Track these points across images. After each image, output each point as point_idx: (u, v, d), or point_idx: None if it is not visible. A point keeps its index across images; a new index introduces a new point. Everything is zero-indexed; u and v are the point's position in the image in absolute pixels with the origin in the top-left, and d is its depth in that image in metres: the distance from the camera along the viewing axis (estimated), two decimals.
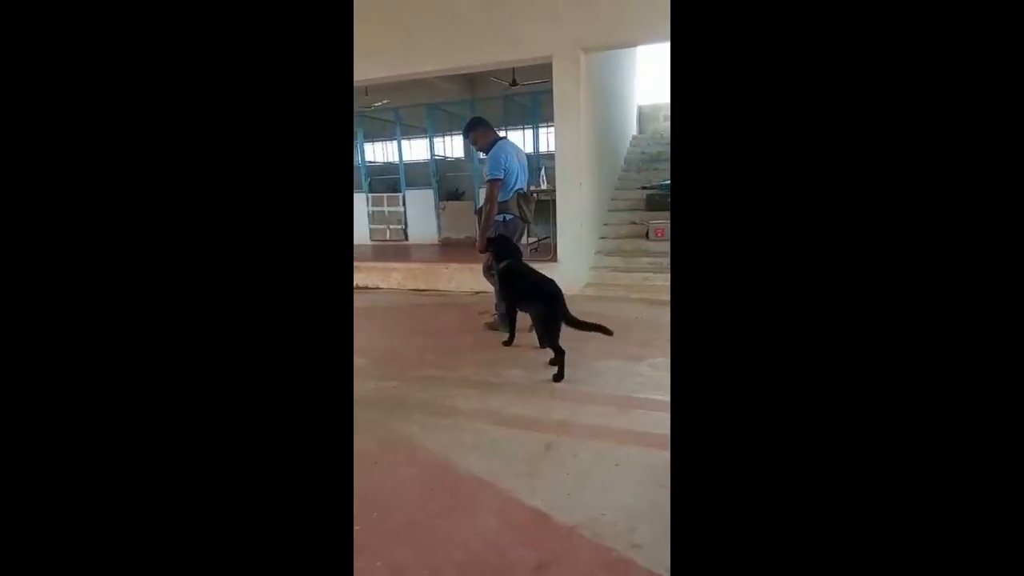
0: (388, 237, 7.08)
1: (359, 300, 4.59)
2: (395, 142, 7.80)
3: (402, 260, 5.28)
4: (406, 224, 7.02)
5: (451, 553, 1.29)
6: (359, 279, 5.14)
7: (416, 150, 8.70)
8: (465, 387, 2.37)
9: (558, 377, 2.37)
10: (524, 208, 3.05)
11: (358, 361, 2.80)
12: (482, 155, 3.18)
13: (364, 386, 2.45)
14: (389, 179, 7.50)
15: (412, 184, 7.06)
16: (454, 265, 4.81)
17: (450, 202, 6.88)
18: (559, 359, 2.41)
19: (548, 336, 2.43)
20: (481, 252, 3.03)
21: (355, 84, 5.32)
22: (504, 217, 3.00)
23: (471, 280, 4.68)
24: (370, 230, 7.20)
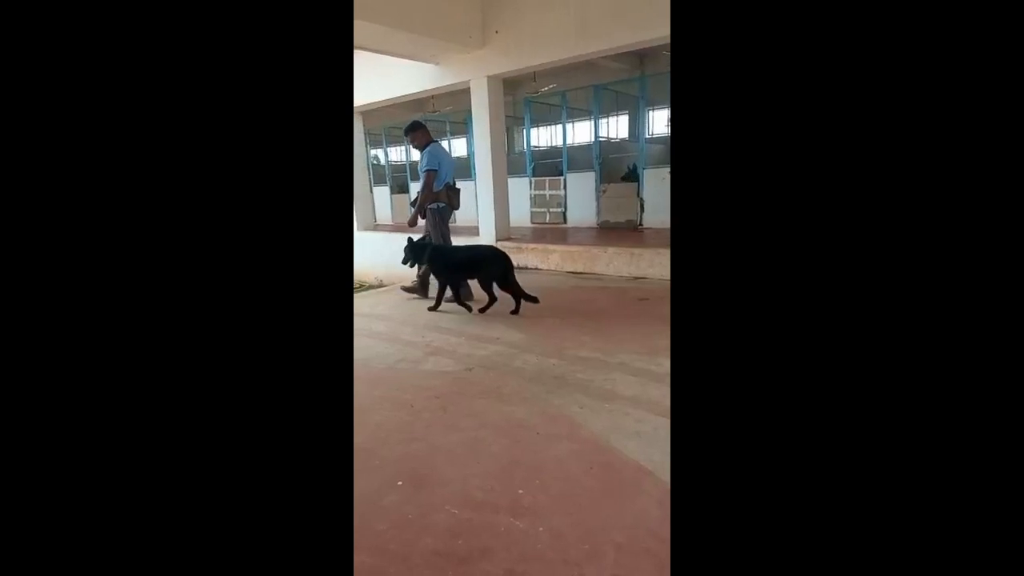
0: (548, 220, 7.25)
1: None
2: (559, 126, 7.89)
3: (560, 243, 5.37)
4: (566, 207, 7.10)
5: (611, 533, 1.29)
6: (520, 259, 5.38)
7: (579, 133, 8.70)
8: (625, 373, 2.33)
9: (483, 309, 3.46)
10: (452, 197, 3.86)
11: (524, 337, 2.95)
12: (416, 152, 3.96)
13: (526, 360, 2.57)
14: (552, 163, 7.64)
15: (574, 167, 7.10)
16: (612, 249, 4.73)
17: (611, 184, 6.74)
18: (491, 304, 3.46)
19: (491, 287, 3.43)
20: (411, 225, 3.97)
21: (528, 70, 5.50)
22: (437, 205, 3.79)
23: (629, 265, 4.56)
24: (531, 213, 7.46)
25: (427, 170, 3.70)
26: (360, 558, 1.24)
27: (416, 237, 3.68)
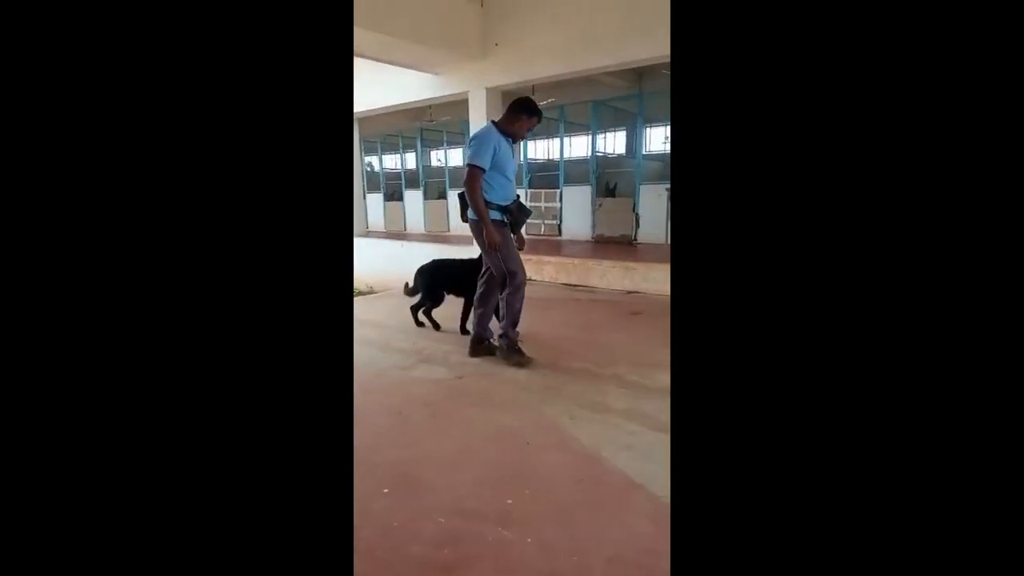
0: (542, 232, 7.27)
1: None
2: (557, 139, 7.96)
3: (555, 254, 5.37)
4: (561, 220, 7.12)
5: (601, 546, 1.27)
6: None
7: (577, 147, 8.77)
8: (618, 386, 2.32)
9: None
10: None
11: None
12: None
13: (521, 369, 2.55)
14: (548, 176, 7.68)
15: (570, 181, 7.14)
16: (607, 262, 4.74)
17: (607, 199, 6.79)
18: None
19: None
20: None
21: (527, 83, 5.55)
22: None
23: (623, 279, 4.57)
24: (526, 224, 7.46)
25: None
26: None
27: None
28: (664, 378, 2.39)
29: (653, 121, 8.45)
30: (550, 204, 7.26)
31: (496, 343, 2.70)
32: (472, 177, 2.39)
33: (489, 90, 5.34)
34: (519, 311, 2.60)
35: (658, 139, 9.09)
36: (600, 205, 6.70)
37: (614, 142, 9.76)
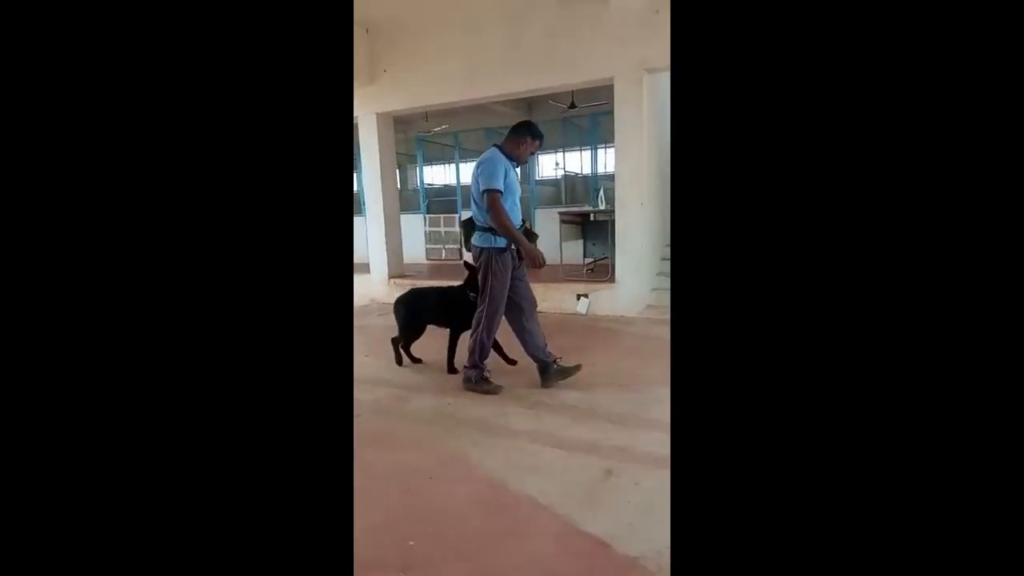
0: (444, 256, 7.24)
1: None
2: (453, 165, 8.04)
3: (458, 278, 5.34)
4: (462, 244, 7.15)
5: (504, 575, 1.24)
6: None
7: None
8: (520, 406, 2.33)
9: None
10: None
11: (417, 378, 2.84)
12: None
13: (421, 402, 2.47)
14: (446, 201, 7.71)
15: (468, 205, 7.21)
16: None
17: None
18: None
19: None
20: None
21: (418, 110, 5.55)
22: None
23: None
24: (426, 249, 7.40)
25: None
26: None
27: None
28: (564, 395, 2.45)
29: (543, 148, 8.88)
30: (449, 228, 7.27)
31: (465, 373, 2.59)
32: (495, 201, 2.35)
33: (380, 115, 5.25)
34: (489, 348, 2.59)
35: (549, 166, 9.55)
36: None
37: None
